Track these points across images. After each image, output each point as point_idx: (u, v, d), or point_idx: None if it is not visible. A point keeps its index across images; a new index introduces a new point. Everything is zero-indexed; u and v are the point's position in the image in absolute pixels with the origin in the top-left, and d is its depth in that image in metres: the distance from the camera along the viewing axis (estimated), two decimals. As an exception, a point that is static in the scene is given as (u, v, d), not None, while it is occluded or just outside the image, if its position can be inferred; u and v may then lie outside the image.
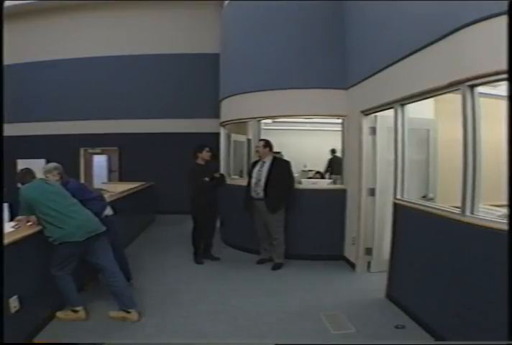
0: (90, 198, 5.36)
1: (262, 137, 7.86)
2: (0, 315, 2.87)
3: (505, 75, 3.11)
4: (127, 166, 13.81)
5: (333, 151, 11.11)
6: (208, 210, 7.39)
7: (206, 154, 7.41)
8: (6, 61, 12.69)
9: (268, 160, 7.14)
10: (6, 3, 12.83)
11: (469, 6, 3.57)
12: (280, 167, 7.13)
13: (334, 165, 10.77)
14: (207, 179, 7.18)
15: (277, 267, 7.12)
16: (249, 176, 7.31)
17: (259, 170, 7.15)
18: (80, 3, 13.39)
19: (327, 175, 10.73)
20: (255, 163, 7.36)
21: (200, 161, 7.42)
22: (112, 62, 13.57)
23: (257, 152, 7.27)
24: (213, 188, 7.37)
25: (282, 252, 7.21)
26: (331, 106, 7.46)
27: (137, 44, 13.48)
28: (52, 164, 5.41)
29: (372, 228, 6.57)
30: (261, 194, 7.01)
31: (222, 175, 7.74)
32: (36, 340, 4.36)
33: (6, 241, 3.97)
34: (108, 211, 5.79)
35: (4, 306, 2.94)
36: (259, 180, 7.06)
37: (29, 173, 5.01)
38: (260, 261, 7.38)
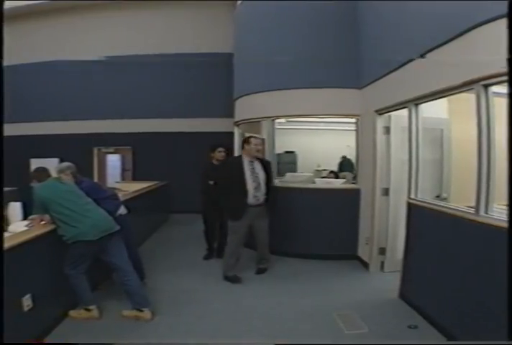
0: (104, 197, 5.38)
1: (276, 137, 7.98)
2: (0, 315, 2.89)
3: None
4: (140, 165, 13.87)
5: (343, 157, 11.40)
6: (220, 211, 7.29)
7: (218, 155, 7.39)
8: (21, 60, 12.80)
9: (254, 160, 6.52)
10: (17, 3, 13.03)
11: (482, 6, 3.55)
12: (269, 167, 6.76)
13: (344, 166, 11.06)
14: (211, 182, 7.10)
15: (264, 270, 6.88)
16: (236, 180, 6.31)
17: (253, 173, 6.40)
18: (94, 4, 13.49)
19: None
20: (237, 163, 6.44)
21: (214, 161, 7.44)
22: (126, 61, 13.61)
23: (258, 151, 6.63)
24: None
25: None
26: (345, 106, 7.44)
27: (151, 43, 13.54)
28: (65, 164, 5.42)
29: (385, 227, 6.55)
30: (261, 199, 6.40)
31: None
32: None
33: (20, 240, 4.03)
34: (122, 210, 5.82)
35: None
36: (259, 184, 6.36)
37: (44, 172, 5.05)
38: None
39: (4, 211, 5.51)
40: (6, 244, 3.77)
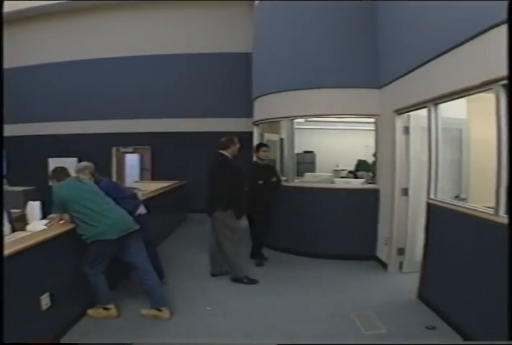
0: (122, 197, 5.41)
1: (295, 137, 8.05)
2: (0, 314, 2.91)
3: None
4: (159, 165, 13.94)
5: (359, 160, 11.32)
6: (265, 211, 7.17)
7: (263, 154, 7.28)
8: (39, 61, 12.94)
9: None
10: (31, 4, 13.19)
11: (501, 5, 3.52)
12: None
13: (361, 166, 11.00)
14: (261, 182, 7.03)
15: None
16: (241, 179, 6.40)
17: None
18: (112, 4, 13.61)
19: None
20: (235, 163, 6.50)
21: (259, 161, 7.36)
22: (144, 61, 13.75)
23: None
24: (268, 191, 7.18)
25: None
26: (363, 106, 7.45)
27: (169, 43, 13.65)
28: (83, 164, 5.47)
29: (404, 228, 6.52)
30: None
31: (279, 180, 7.51)
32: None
33: (39, 239, 4.07)
34: (142, 210, 5.84)
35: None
36: None
37: (63, 171, 5.08)
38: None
39: (24, 210, 5.56)
40: (25, 244, 3.84)
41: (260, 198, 7.02)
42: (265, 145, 7.52)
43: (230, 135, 6.50)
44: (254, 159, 7.59)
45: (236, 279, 6.33)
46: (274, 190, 7.26)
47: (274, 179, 7.26)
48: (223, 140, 6.42)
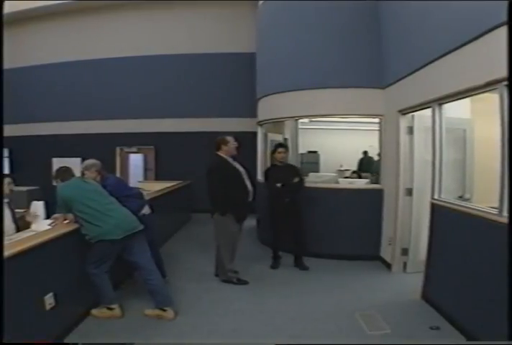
0: (128, 195, 5.44)
1: (299, 137, 8.05)
2: (0, 315, 2.91)
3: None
4: (163, 165, 13.98)
5: (365, 152, 11.25)
6: (289, 215, 7.01)
7: (278, 156, 7.12)
8: (43, 61, 12.98)
9: (232, 158, 6.34)
10: (34, 4, 13.27)
11: (504, 5, 3.52)
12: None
13: (364, 165, 10.94)
14: (279, 185, 6.84)
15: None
16: (236, 180, 6.16)
17: (241, 171, 6.28)
18: (115, 4, 13.64)
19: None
20: (229, 163, 6.23)
21: (277, 162, 7.21)
22: (148, 61, 13.78)
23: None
24: (290, 193, 6.98)
25: None
26: (368, 106, 7.44)
27: (173, 44, 13.68)
28: (91, 161, 5.47)
29: (408, 228, 6.50)
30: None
31: (301, 180, 7.15)
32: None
33: (43, 239, 4.08)
34: (146, 210, 5.85)
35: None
36: (249, 182, 6.29)
37: (68, 171, 5.08)
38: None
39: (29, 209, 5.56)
40: (29, 243, 3.85)
41: (280, 202, 6.96)
42: (281, 145, 7.34)
43: (222, 135, 6.43)
44: (272, 161, 7.52)
45: (226, 281, 6.30)
46: (297, 192, 7.01)
47: (296, 179, 6.95)
48: (216, 140, 6.33)
